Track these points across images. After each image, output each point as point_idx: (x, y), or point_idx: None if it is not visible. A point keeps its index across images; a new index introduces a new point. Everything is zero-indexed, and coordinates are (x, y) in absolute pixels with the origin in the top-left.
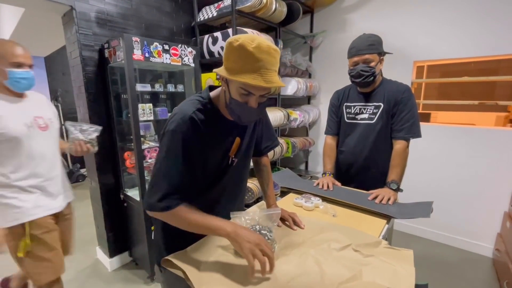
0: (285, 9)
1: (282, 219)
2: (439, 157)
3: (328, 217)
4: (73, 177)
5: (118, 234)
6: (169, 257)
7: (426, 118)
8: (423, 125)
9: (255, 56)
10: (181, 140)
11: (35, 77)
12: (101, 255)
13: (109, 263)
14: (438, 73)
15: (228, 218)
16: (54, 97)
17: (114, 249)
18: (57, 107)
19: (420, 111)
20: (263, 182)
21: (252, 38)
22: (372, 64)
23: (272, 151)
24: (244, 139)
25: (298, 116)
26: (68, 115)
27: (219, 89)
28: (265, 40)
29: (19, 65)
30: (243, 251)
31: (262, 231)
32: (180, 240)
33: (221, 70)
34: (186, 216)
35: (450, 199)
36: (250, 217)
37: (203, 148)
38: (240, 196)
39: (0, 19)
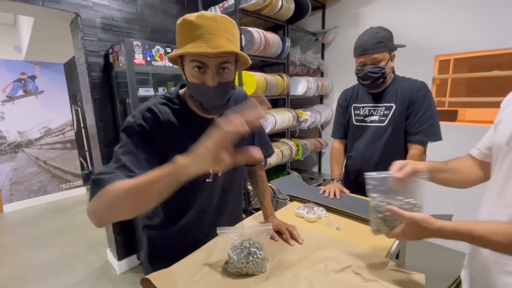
0: (292, 6)
1: (279, 233)
2: None
3: (331, 230)
4: None
5: (126, 237)
6: (148, 277)
7: (453, 116)
8: (447, 125)
9: (195, 24)
10: (135, 130)
11: (55, 82)
12: (111, 257)
13: (118, 265)
14: (465, 67)
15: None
16: (73, 102)
17: (122, 252)
18: (76, 111)
19: (445, 108)
20: (258, 192)
21: (199, 12)
22: (382, 63)
23: (280, 154)
24: None
25: (308, 116)
26: None
27: None
28: (214, 12)
29: None
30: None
31: (252, 249)
32: (167, 256)
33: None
34: (121, 185)
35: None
36: (238, 233)
37: (165, 141)
38: (230, 208)
39: (20, 29)
